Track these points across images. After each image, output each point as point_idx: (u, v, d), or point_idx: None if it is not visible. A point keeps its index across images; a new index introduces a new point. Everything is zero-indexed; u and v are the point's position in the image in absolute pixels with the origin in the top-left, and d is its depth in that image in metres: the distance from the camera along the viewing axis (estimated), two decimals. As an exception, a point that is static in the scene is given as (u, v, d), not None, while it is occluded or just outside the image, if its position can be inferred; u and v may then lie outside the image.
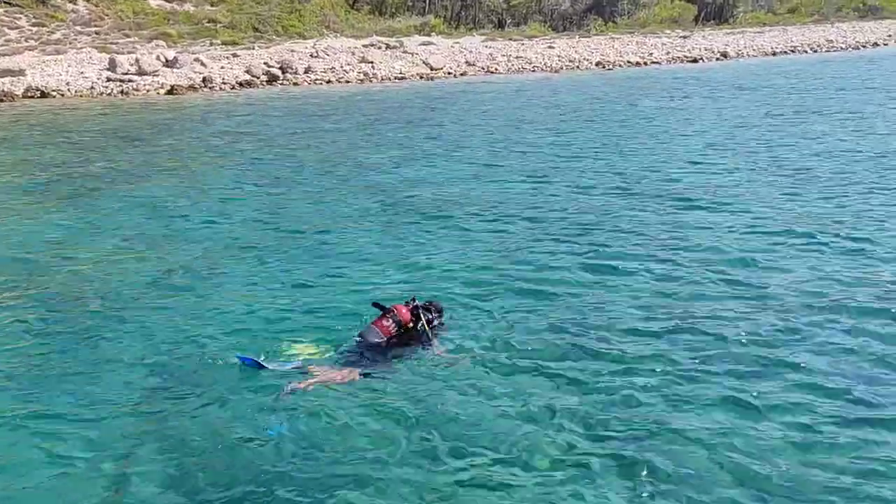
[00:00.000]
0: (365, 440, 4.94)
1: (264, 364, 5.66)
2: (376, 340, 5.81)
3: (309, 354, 5.87)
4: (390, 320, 5.86)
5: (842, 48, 46.96)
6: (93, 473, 4.61)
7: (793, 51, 45.37)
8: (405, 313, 5.93)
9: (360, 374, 5.56)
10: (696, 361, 5.97)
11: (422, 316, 5.98)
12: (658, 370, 5.82)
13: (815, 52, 45.46)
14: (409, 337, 5.95)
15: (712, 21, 63.02)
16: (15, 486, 4.50)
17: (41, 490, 4.48)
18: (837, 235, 9.00)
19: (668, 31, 53.27)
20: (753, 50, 44.35)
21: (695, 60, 40.05)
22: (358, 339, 5.90)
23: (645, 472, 4.56)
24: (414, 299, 6.20)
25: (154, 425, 5.09)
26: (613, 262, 8.26)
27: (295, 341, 6.12)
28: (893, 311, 6.78)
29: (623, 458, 4.71)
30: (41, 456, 4.80)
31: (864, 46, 47.58)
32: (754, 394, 5.42)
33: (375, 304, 6.13)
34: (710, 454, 4.75)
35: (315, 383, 5.40)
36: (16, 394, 5.56)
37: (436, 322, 6.12)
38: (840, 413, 5.18)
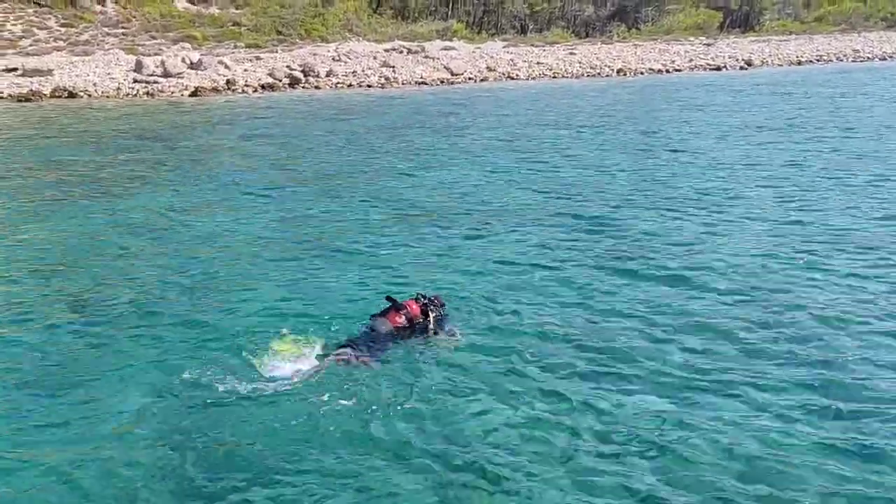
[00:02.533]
0: (366, 431, 5.05)
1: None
2: (386, 331, 6.07)
3: (320, 348, 5.99)
4: (402, 316, 6.15)
5: (868, 58, 46.35)
6: (106, 474, 4.71)
7: (818, 60, 44.93)
8: (416, 309, 6.22)
9: (372, 362, 5.74)
10: (699, 368, 5.96)
11: (430, 312, 6.29)
12: (662, 378, 5.81)
13: (842, 61, 44.97)
14: (415, 329, 6.22)
15: (738, 28, 62.56)
16: (25, 485, 4.63)
17: (50, 490, 4.59)
18: (847, 248, 8.92)
19: (691, 39, 52.99)
20: (778, 59, 44.00)
21: (718, 68, 39.81)
22: (370, 329, 6.12)
23: (644, 478, 4.58)
24: (424, 295, 6.45)
25: (167, 424, 5.19)
26: (625, 270, 8.26)
27: (307, 338, 6.18)
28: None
29: (621, 460, 4.74)
30: (56, 453, 4.92)
31: (891, 57, 46.88)
32: (756, 405, 5.40)
33: (388, 298, 6.37)
34: (710, 462, 4.75)
35: (334, 360, 5.63)
36: (35, 393, 5.68)
37: (441, 315, 6.40)
38: (847, 423, 5.16)
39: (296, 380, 5.51)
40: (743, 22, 64.75)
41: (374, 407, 5.30)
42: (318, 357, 5.80)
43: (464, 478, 4.62)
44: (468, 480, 4.60)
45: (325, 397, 5.35)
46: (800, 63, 43.42)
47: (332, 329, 6.46)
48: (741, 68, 40.54)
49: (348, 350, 5.79)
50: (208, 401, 5.41)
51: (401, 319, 6.14)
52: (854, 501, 4.45)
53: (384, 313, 6.22)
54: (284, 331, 6.20)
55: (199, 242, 9.42)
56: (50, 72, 26.37)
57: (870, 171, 13.48)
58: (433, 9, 49.83)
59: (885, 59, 46.64)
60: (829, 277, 8.06)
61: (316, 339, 6.08)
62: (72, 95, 24.95)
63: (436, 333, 6.29)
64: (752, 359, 6.20)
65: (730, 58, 42.56)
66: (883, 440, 5.01)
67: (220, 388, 5.52)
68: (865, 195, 11.66)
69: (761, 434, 5.09)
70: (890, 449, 4.91)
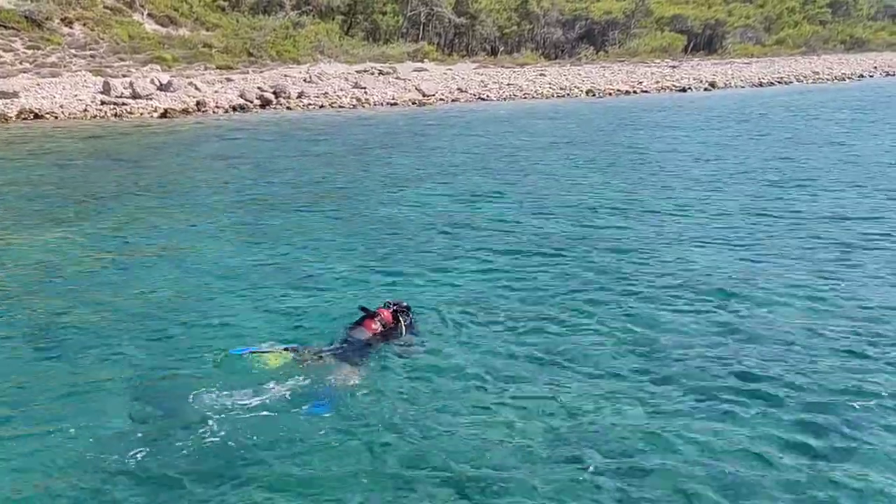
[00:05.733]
0: (346, 440, 5.19)
1: (259, 350, 6.11)
2: (364, 338, 6.42)
3: (302, 360, 6.14)
4: (377, 322, 6.56)
5: (828, 79, 47.82)
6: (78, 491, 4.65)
7: (779, 81, 46.24)
8: (388, 315, 6.66)
9: (352, 368, 6.06)
10: (673, 383, 6.06)
11: (401, 318, 6.69)
12: (631, 389, 5.91)
13: (801, 82, 46.33)
14: (389, 334, 6.62)
15: (701, 51, 64.17)
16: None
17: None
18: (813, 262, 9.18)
19: (657, 61, 54.17)
20: (741, 80, 45.15)
21: (683, 90, 40.71)
22: (347, 336, 6.46)
23: (619, 482, 4.66)
24: (391, 302, 6.90)
25: (143, 444, 5.13)
26: (594, 285, 8.39)
27: (286, 348, 6.30)
28: (872, 338, 6.92)
29: (595, 466, 4.82)
30: (29, 470, 4.84)
31: (849, 78, 48.42)
32: (734, 414, 5.52)
33: (362, 308, 6.78)
34: (694, 473, 4.84)
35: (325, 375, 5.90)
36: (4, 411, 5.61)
37: (410, 320, 6.85)
38: (816, 434, 5.29)
39: (280, 392, 5.63)
40: (706, 45, 66.45)
41: (352, 415, 5.46)
42: (302, 368, 5.97)
43: (440, 483, 4.73)
44: (443, 485, 4.71)
45: (305, 408, 5.49)
46: (761, 85, 44.62)
47: (312, 343, 6.55)
48: (705, 89, 41.52)
49: (332, 367, 6.03)
50: (183, 418, 5.40)
51: (376, 326, 6.53)
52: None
53: (360, 322, 6.59)
54: (265, 346, 6.31)
55: (169, 264, 9.34)
56: (16, 94, 25.94)
57: (822, 186, 13.94)
58: (404, 31, 50.26)
59: (843, 79, 48.20)
60: (800, 287, 8.30)
61: (297, 353, 6.19)
62: (38, 117, 24.59)
63: (407, 337, 6.67)
64: (723, 368, 6.34)
65: (694, 79, 43.58)
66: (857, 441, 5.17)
67: (195, 406, 5.51)
68: (820, 207, 12.04)
69: (735, 439, 5.21)
70: (866, 449, 5.09)
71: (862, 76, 50.33)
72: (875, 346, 6.77)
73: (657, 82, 41.91)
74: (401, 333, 6.65)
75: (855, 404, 5.73)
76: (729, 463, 4.95)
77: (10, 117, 24.20)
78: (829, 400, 5.79)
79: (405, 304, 6.97)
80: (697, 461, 4.96)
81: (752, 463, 4.96)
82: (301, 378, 5.81)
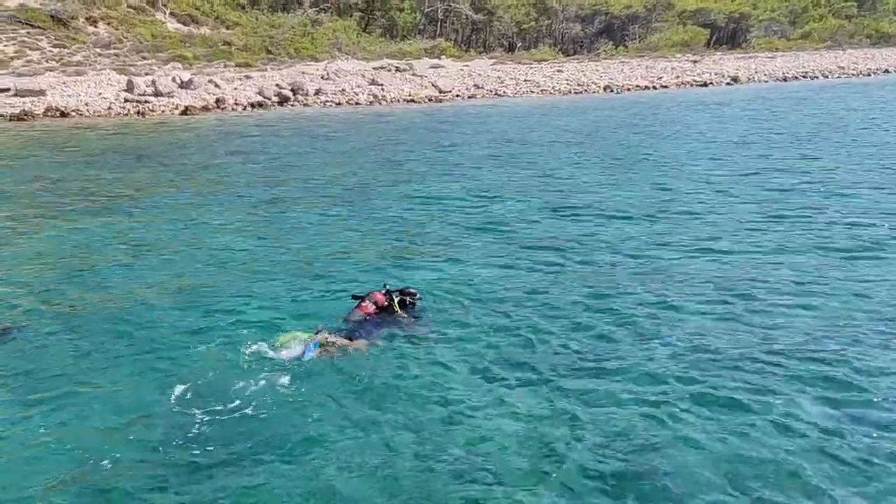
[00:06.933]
0: (332, 404, 5.62)
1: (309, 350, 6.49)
2: (359, 319, 6.89)
3: (312, 339, 6.55)
4: (368, 303, 7.06)
5: (853, 74, 47.04)
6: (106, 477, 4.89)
7: (804, 76, 45.60)
8: (379, 296, 7.09)
9: (357, 343, 6.53)
10: (684, 381, 6.07)
11: (394, 297, 7.09)
12: (637, 385, 5.96)
13: (826, 78, 45.64)
14: (387, 314, 7.02)
15: (724, 46, 63.48)
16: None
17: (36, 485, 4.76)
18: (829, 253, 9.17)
19: (678, 56, 53.69)
20: (764, 75, 44.63)
21: (705, 84, 40.38)
22: (346, 321, 6.93)
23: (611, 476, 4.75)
24: (385, 285, 7.29)
25: (158, 430, 5.34)
26: (605, 280, 8.44)
27: (300, 332, 6.66)
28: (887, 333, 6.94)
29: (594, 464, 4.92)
30: (48, 457, 5.07)
31: (874, 73, 47.59)
32: (743, 409, 5.57)
33: (354, 297, 7.24)
34: (700, 469, 4.90)
35: (333, 346, 6.44)
36: (33, 400, 5.84)
37: (408, 301, 7.17)
38: (832, 426, 5.34)
39: (284, 382, 5.94)
40: (730, 39, 65.73)
41: (350, 399, 5.76)
42: (311, 345, 6.38)
43: (431, 468, 4.87)
44: (435, 470, 4.85)
45: (310, 387, 5.84)
46: (785, 79, 44.06)
47: (319, 326, 6.87)
48: (727, 84, 41.12)
49: (335, 337, 6.57)
50: (185, 407, 5.60)
51: (367, 305, 7.00)
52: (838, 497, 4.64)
53: (356, 307, 7.10)
54: (284, 327, 6.76)
55: (190, 256, 9.61)
56: (42, 92, 26.59)
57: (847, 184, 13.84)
58: (421, 27, 50.42)
59: (868, 74, 47.39)
60: (813, 283, 8.30)
61: (307, 333, 6.60)
62: (64, 115, 25.19)
63: (404, 313, 7.04)
64: (734, 365, 6.32)
65: (716, 74, 43.17)
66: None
67: (198, 395, 5.73)
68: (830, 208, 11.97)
69: (744, 435, 5.26)
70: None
71: (887, 71, 49.45)
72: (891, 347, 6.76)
73: (677, 77, 41.60)
74: (396, 311, 7.00)
75: (872, 398, 5.76)
76: (733, 456, 5.00)
77: (37, 115, 24.81)
78: (839, 394, 5.81)
79: (412, 289, 7.30)
80: (705, 457, 5.01)
81: (763, 458, 5.03)
82: (307, 368, 6.17)
